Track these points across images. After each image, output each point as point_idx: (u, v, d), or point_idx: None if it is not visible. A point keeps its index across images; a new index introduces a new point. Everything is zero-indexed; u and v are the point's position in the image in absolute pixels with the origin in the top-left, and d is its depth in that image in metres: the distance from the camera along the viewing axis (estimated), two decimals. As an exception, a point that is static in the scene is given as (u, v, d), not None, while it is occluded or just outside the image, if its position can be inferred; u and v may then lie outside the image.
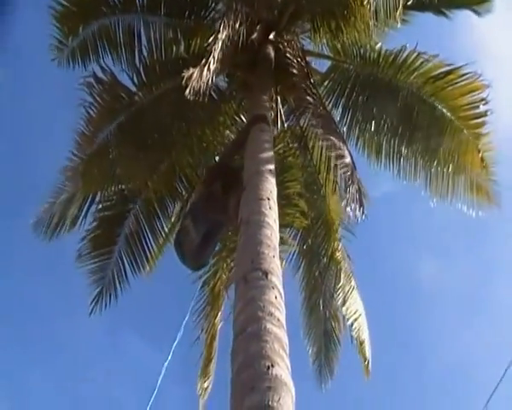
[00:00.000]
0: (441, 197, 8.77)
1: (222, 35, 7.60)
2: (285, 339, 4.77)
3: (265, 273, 5.36)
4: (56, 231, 9.40)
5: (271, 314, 4.92)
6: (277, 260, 5.66)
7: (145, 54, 9.42)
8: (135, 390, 14.91)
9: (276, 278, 5.41)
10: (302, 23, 9.72)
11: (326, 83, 9.59)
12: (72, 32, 9.28)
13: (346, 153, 7.48)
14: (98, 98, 8.98)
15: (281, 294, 5.28)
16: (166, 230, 9.64)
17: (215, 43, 7.43)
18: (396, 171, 9.13)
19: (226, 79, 9.90)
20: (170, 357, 7.97)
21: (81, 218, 9.32)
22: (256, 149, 7.37)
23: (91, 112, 8.93)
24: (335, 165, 7.60)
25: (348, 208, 7.00)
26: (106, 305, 9.28)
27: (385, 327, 12.30)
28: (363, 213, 6.95)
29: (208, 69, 7.03)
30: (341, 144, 7.64)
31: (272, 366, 4.38)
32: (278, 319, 4.92)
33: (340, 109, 9.46)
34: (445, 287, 15.27)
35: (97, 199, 9.35)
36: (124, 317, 10.98)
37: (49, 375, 15.37)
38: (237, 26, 8.06)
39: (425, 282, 15.29)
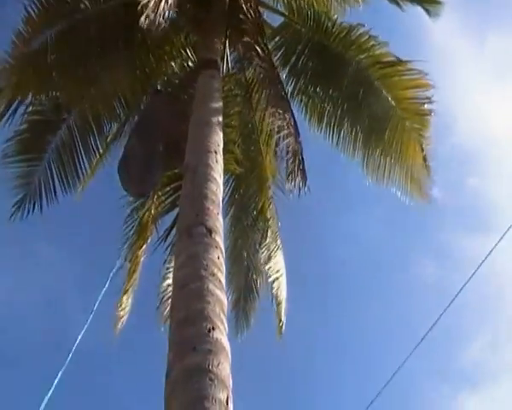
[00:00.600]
0: (377, 179, 8.90)
1: None
2: (225, 301, 4.94)
3: (210, 231, 5.50)
4: None
5: (214, 275, 5.07)
6: (221, 218, 5.81)
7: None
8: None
9: (219, 237, 5.56)
10: None
11: (276, 39, 9.49)
12: None
13: (291, 122, 7.56)
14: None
15: (223, 254, 5.45)
16: (101, 150, 9.36)
17: None
18: (335, 142, 9.18)
19: (176, 10, 9.53)
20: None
21: (7, 115, 8.71)
22: (206, 96, 7.38)
23: (31, 11, 8.39)
24: (278, 134, 7.55)
25: (289, 182, 7.12)
26: (28, 212, 8.95)
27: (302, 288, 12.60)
28: (304, 186, 7.11)
29: (166, 1, 6.91)
30: (286, 114, 7.67)
31: (213, 328, 4.54)
32: (220, 281, 5.08)
33: (287, 69, 9.39)
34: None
35: (28, 100, 8.83)
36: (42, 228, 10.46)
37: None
38: None
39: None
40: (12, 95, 8.67)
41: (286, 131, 7.41)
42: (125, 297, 9.21)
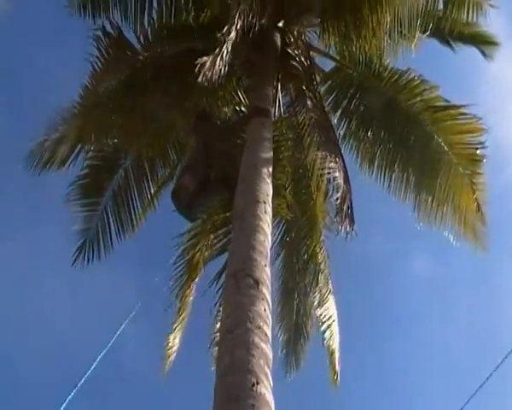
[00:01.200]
0: (429, 222, 8.85)
1: (237, 25, 7.59)
2: (270, 355, 4.97)
3: (257, 282, 5.52)
4: (46, 166, 9.24)
5: (259, 328, 5.10)
6: (268, 270, 5.84)
7: (154, 15, 9.36)
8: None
9: (266, 289, 5.59)
10: (312, 17, 9.66)
11: (328, 83, 9.64)
12: None
13: (341, 167, 7.61)
14: (104, 52, 8.92)
15: (269, 306, 5.47)
16: (152, 192, 9.68)
17: (230, 33, 7.42)
18: (386, 186, 9.19)
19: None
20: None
21: (71, 160, 9.24)
22: (256, 145, 7.45)
23: (96, 66, 8.87)
24: (329, 178, 7.66)
25: (339, 225, 7.15)
26: (88, 260, 9.32)
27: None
28: (352, 230, 7.12)
29: (221, 59, 7.05)
30: (337, 158, 7.75)
31: (257, 383, 4.54)
32: (265, 334, 5.10)
33: (338, 113, 9.52)
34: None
35: (88, 145, 9.29)
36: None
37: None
38: (251, 13, 8.01)
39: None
40: (75, 140, 9.12)
41: (336, 175, 7.47)
42: (172, 336, 9.40)
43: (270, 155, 7.41)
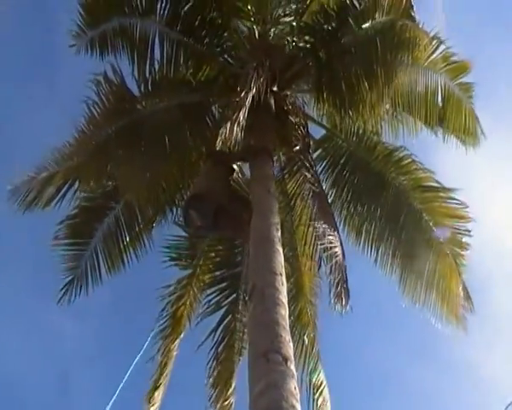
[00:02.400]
0: (412, 301, 9.07)
1: (252, 91, 7.80)
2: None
3: (285, 359, 5.67)
4: (31, 205, 9.23)
5: (293, 407, 5.26)
6: (292, 345, 6.01)
7: (156, 66, 9.44)
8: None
9: (293, 366, 5.76)
10: (306, 84, 9.91)
11: (319, 151, 9.86)
12: (94, 23, 9.27)
13: (338, 242, 7.71)
14: (104, 98, 9.03)
15: (298, 384, 5.65)
16: (142, 232, 9.73)
17: (246, 98, 7.60)
18: (373, 259, 9.37)
19: (220, 110, 9.90)
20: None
21: (57, 199, 9.24)
22: (266, 212, 7.51)
23: (94, 111, 8.96)
24: (328, 252, 7.71)
25: (332, 299, 7.31)
26: (75, 295, 9.30)
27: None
28: (347, 304, 7.28)
29: (238, 125, 7.20)
30: (333, 230, 7.86)
31: None
32: (298, 413, 5.28)
33: (328, 182, 9.73)
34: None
35: (77, 185, 9.28)
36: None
37: None
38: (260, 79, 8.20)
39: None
40: (62, 181, 9.16)
41: (336, 251, 7.57)
42: (156, 393, 9.30)
43: (279, 224, 7.51)
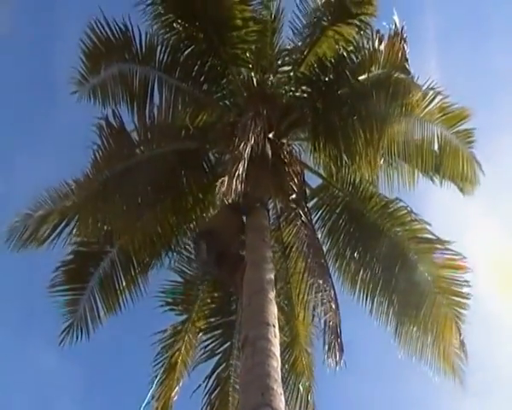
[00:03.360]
0: (408, 353, 8.97)
1: (250, 142, 7.80)
2: None
3: (276, 413, 5.63)
4: (26, 243, 9.20)
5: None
6: (283, 399, 5.93)
7: (155, 111, 9.52)
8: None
9: (285, 421, 5.69)
10: (303, 133, 9.98)
11: (315, 200, 9.85)
12: (95, 69, 9.44)
13: (331, 297, 7.58)
14: (105, 142, 9.11)
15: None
16: (137, 273, 9.70)
17: (245, 151, 7.57)
18: (368, 309, 9.29)
19: (217, 156, 9.94)
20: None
21: (52, 239, 9.19)
22: (260, 263, 7.49)
23: (97, 155, 9.04)
24: (317, 304, 7.59)
25: (327, 355, 7.06)
26: (77, 338, 9.27)
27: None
28: (341, 359, 7.08)
29: (238, 177, 7.14)
30: (327, 286, 7.72)
31: None
32: None
33: (323, 231, 9.69)
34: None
35: (72, 225, 9.21)
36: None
37: None
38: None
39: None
40: (57, 220, 9.17)
41: (326, 306, 7.41)
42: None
43: (273, 274, 7.48)
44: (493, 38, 14.70)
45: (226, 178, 7.03)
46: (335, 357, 6.98)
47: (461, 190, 9.60)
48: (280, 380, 6.08)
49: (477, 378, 9.54)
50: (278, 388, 5.93)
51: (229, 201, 7.22)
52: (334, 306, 7.43)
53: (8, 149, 14.23)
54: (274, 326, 6.62)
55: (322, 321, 7.27)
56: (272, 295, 7.07)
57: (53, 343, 9.59)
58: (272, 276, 7.43)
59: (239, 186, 7.01)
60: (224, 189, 6.90)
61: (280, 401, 5.80)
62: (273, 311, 6.83)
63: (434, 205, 11.46)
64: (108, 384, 14.99)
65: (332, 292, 7.72)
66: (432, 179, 9.64)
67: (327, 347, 7.03)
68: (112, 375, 14.83)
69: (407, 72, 8.46)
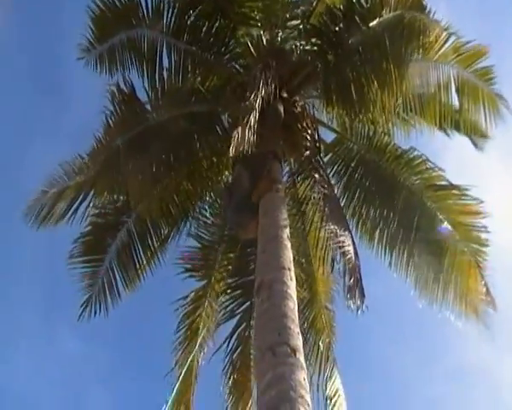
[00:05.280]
0: (429, 301, 8.78)
1: (261, 93, 7.64)
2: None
3: (293, 351, 5.52)
4: (44, 221, 9.22)
5: (302, 397, 5.07)
6: (301, 337, 5.78)
7: (165, 76, 9.38)
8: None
9: (302, 358, 5.55)
10: (315, 89, 9.75)
11: (329, 155, 9.68)
12: (102, 37, 9.35)
13: (350, 242, 7.47)
14: (117, 108, 9.03)
15: (306, 374, 5.41)
16: (156, 247, 9.60)
17: (256, 100, 7.43)
18: (387, 262, 9.12)
19: (229, 120, 9.74)
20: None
21: (70, 214, 9.20)
22: (274, 211, 7.43)
23: (110, 121, 8.95)
24: (337, 251, 7.53)
25: (348, 299, 6.99)
26: (95, 312, 9.19)
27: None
28: (362, 305, 6.96)
29: (250, 129, 7.00)
30: (347, 232, 7.65)
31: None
32: (308, 404, 5.07)
33: (339, 186, 9.52)
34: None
35: (88, 199, 9.19)
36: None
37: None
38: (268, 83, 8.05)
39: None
40: (73, 195, 9.20)
41: (347, 249, 7.32)
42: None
43: (287, 220, 7.41)
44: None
45: (239, 129, 6.88)
46: (357, 300, 6.86)
47: (480, 139, 9.33)
48: (297, 321, 6.00)
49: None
50: (295, 328, 5.86)
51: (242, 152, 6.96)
52: (352, 249, 7.31)
53: (22, 135, 14.16)
54: (290, 270, 6.55)
55: (342, 265, 7.21)
56: (287, 240, 7.00)
57: (78, 329, 9.75)
58: (286, 223, 7.34)
59: (251, 137, 6.86)
60: (236, 140, 6.74)
61: (298, 339, 5.72)
62: (288, 256, 6.76)
63: (449, 155, 11.04)
64: (135, 366, 14.88)
65: (350, 236, 7.62)
66: (447, 133, 9.40)
67: (347, 289, 6.95)
68: (138, 355, 14.71)
69: (422, 8, 8.12)
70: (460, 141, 9.41)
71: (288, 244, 6.91)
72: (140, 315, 12.81)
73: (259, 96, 7.53)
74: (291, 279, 6.40)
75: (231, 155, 6.80)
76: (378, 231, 9.22)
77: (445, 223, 8.78)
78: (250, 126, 6.99)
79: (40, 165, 13.18)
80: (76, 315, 9.11)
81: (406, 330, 14.54)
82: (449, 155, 10.96)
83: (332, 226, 7.65)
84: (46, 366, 14.84)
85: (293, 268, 6.63)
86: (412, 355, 15.05)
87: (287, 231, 7.10)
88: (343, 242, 7.39)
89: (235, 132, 6.81)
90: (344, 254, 7.25)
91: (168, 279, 9.94)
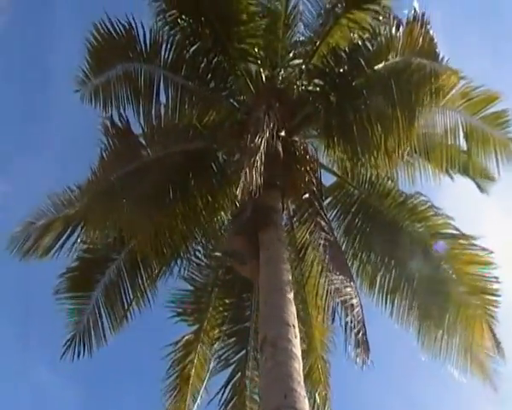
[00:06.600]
0: (433, 355, 8.58)
1: (266, 135, 7.46)
2: None
3: (301, 416, 5.25)
4: (28, 253, 9.01)
5: None
6: (306, 401, 5.58)
7: (161, 111, 9.18)
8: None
9: (310, 426, 5.30)
10: (316, 129, 9.61)
11: (329, 199, 9.53)
12: (99, 69, 9.19)
13: (356, 293, 7.28)
14: (111, 143, 8.82)
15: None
16: (146, 285, 9.39)
17: (261, 142, 7.25)
18: (388, 311, 8.94)
19: (225, 158, 9.56)
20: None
21: (56, 248, 8.97)
22: (277, 262, 7.23)
23: (104, 155, 8.77)
24: (344, 304, 7.14)
25: (352, 354, 6.74)
26: (78, 354, 8.94)
27: None
28: (367, 360, 6.72)
29: (256, 171, 6.82)
30: (351, 282, 7.47)
31: None
32: None
33: (339, 231, 9.34)
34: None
35: (77, 233, 8.91)
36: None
37: None
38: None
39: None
40: (61, 230, 8.93)
41: (354, 303, 7.06)
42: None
43: (289, 272, 7.26)
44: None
45: (247, 170, 6.73)
46: (361, 355, 6.65)
47: (478, 187, 9.22)
48: (302, 383, 5.74)
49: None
50: (301, 390, 5.70)
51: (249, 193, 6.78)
52: (358, 301, 7.09)
53: (8, 151, 13.87)
54: (294, 327, 6.38)
55: (347, 318, 6.93)
56: (291, 294, 6.84)
57: (52, 361, 9.27)
58: (289, 275, 7.21)
59: (258, 178, 6.70)
60: (244, 183, 6.59)
61: (304, 403, 5.52)
62: (292, 311, 6.60)
63: (449, 199, 10.95)
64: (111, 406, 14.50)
65: (354, 287, 7.45)
66: (451, 176, 9.29)
67: (352, 344, 6.72)
68: (115, 395, 14.32)
69: (434, 56, 8.00)
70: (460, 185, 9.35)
71: (292, 299, 6.74)
72: (124, 356, 12.31)
73: (264, 137, 7.38)
74: (295, 337, 6.24)
75: (238, 197, 6.59)
76: (379, 278, 9.04)
77: (450, 272, 8.59)
78: (257, 168, 6.81)
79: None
80: (53, 351, 9.15)
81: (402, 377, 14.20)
82: (444, 194, 10.76)
83: (335, 276, 7.40)
84: (16, 398, 14.43)
85: (297, 324, 6.45)
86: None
87: (290, 285, 6.97)
88: (349, 294, 7.16)
89: (243, 174, 6.65)
90: (351, 307, 6.99)
91: (158, 322, 9.83)
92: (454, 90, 8.46)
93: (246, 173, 6.60)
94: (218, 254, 9.35)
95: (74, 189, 8.99)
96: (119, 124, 8.90)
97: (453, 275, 8.64)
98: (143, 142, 9.14)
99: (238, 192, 6.50)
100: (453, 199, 11.23)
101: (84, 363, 9.55)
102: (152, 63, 9.19)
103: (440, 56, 8.00)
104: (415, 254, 8.81)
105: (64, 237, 8.93)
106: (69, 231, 8.90)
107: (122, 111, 9.00)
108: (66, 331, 9.03)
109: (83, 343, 8.99)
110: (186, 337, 9.33)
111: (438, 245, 8.78)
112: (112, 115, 8.94)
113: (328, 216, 9.10)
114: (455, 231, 8.76)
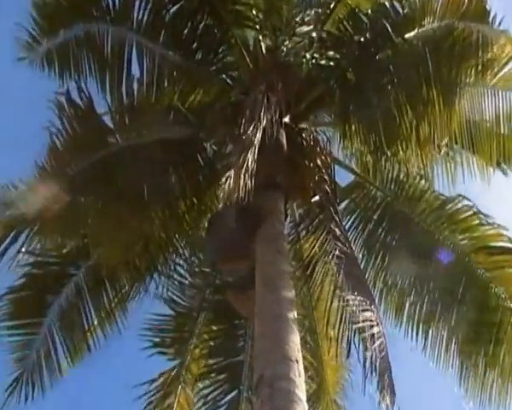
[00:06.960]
0: (480, 402, 8.40)
1: (262, 124, 7.25)
2: None
3: None
4: None
5: None
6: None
7: (134, 87, 8.99)
8: None
9: None
10: (329, 114, 9.57)
11: (345, 203, 9.42)
12: (52, 29, 8.95)
13: (379, 320, 6.99)
14: (68, 126, 8.56)
15: None
16: (113, 307, 9.31)
17: (255, 135, 7.03)
18: (421, 344, 8.78)
19: (215, 149, 9.44)
20: None
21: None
22: (277, 280, 7.00)
23: (57, 142, 8.51)
24: (361, 335, 6.84)
25: (377, 395, 6.37)
26: (26, 396, 8.82)
27: None
28: (393, 403, 6.39)
29: (246, 170, 6.57)
30: (373, 306, 7.19)
31: None
32: None
33: (357, 243, 9.24)
34: None
35: (21, 241, 8.61)
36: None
37: None
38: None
39: None
40: (23, 228, 8.57)
41: (376, 332, 6.69)
42: None
43: (293, 294, 7.07)
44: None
45: (232, 172, 6.53)
46: (384, 401, 6.34)
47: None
48: (308, 435, 5.51)
49: None
50: None
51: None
52: (380, 330, 6.79)
53: None
54: (297, 362, 6.14)
55: (366, 352, 6.58)
56: (294, 322, 6.65)
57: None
58: (292, 298, 7.02)
59: (248, 182, 6.48)
60: (229, 185, 6.40)
61: None
62: (296, 342, 6.39)
63: (500, 204, 10.73)
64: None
65: (376, 312, 7.20)
66: (504, 172, 9.12)
67: (378, 387, 6.39)
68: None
69: (484, 16, 7.82)
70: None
71: (295, 327, 6.56)
72: (85, 397, 12.28)
73: (260, 128, 7.18)
74: (299, 375, 6.00)
75: (222, 203, 6.35)
76: (408, 304, 8.93)
77: (501, 296, 8.42)
78: (247, 168, 6.59)
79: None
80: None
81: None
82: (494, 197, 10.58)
83: (352, 296, 7.09)
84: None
85: (301, 359, 6.26)
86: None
87: (293, 309, 6.77)
88: (369, 320, 6.83)
89: (227, 176, 6.49)
90: (371, 338, 6.65)
91: (129, 354, 9.95)
92: (510, 64, 8.31)
93: (230, 178, 6.41)
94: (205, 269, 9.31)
95: (18, 184, 8.57)
96: (79, 101, 8.61)
97: (507, 301, 8.45)
98: (111, 125, 8.95)
99: (221, 199, 6.26)
100: (506, 204, 10.82)
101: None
102: (122, 25, 9.01)
103: (492, 19, 7.82)
104: (455, 274, 8.65)
105: (3, 246, 8.53)
106: (10, 238, 8.55)
107: (83, 85, 8.75)
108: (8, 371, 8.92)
109: (31, 384, 8.86)
110: (164, 375, 9.26)
111: (443, 254, 8.79)
112: (68, 90, 8.67)
113: (343, 224, 8.93)
114: (509, 245, 8.61)
